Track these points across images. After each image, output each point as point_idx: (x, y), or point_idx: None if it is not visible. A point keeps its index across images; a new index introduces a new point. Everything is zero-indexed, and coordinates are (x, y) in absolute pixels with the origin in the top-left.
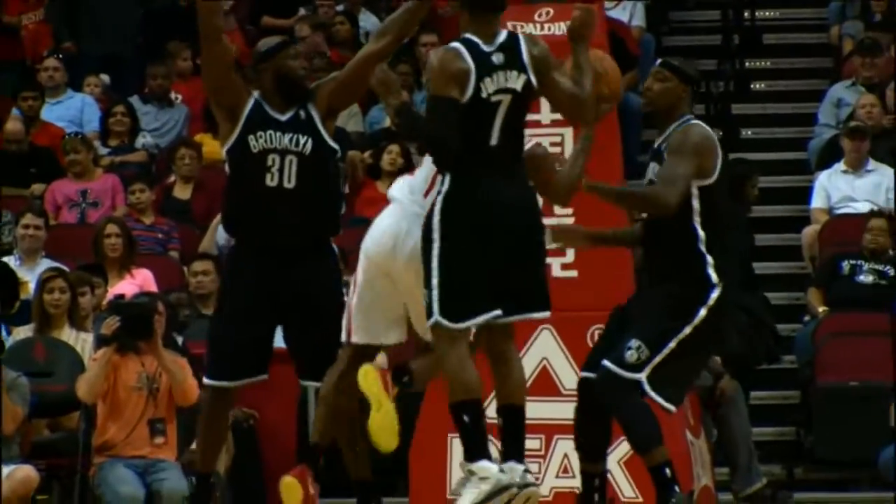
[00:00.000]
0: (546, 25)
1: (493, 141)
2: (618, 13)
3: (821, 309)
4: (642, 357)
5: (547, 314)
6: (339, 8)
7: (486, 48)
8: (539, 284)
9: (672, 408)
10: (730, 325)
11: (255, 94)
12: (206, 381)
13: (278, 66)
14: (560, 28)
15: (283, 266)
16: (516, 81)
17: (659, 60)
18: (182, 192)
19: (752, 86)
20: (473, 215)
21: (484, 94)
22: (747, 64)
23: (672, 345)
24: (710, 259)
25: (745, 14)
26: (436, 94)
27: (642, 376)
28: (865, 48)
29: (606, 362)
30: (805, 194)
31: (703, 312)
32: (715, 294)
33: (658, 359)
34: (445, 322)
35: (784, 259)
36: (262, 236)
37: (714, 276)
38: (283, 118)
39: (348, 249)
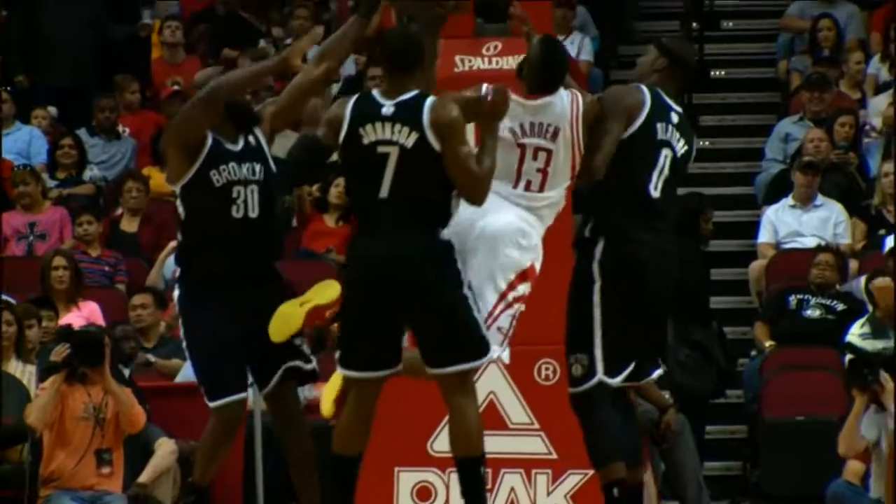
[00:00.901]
0: (494, 59)
1: (383, 194)
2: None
3: (767, 343)
4: (584, 363)
5: (469, 365)
6: (288, 41)
7: (380, 100)
8: (446, 338)
9: (617, 379)
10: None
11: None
12: (212, 404)
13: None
14: (508, 62)
15: (250, 294)
16: (406, 137)
17: None
18: (129, 225)
19: (700, 120)
20: (357, 266)
21: (365, 142)
22: (695, 98)
23: (598, 332)
24: (591, 214)
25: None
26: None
27: (599, 377)
28: (813, 83)
29: (569, 389)
30: (752, 229)
31: (597, 289)
32: (598, 251)
33: (598, 353)
34: (338, 367)
35: (731, 294)
36: (229, 268)
37: (587, 234)
38: (237, 148)
39: (296, 283)
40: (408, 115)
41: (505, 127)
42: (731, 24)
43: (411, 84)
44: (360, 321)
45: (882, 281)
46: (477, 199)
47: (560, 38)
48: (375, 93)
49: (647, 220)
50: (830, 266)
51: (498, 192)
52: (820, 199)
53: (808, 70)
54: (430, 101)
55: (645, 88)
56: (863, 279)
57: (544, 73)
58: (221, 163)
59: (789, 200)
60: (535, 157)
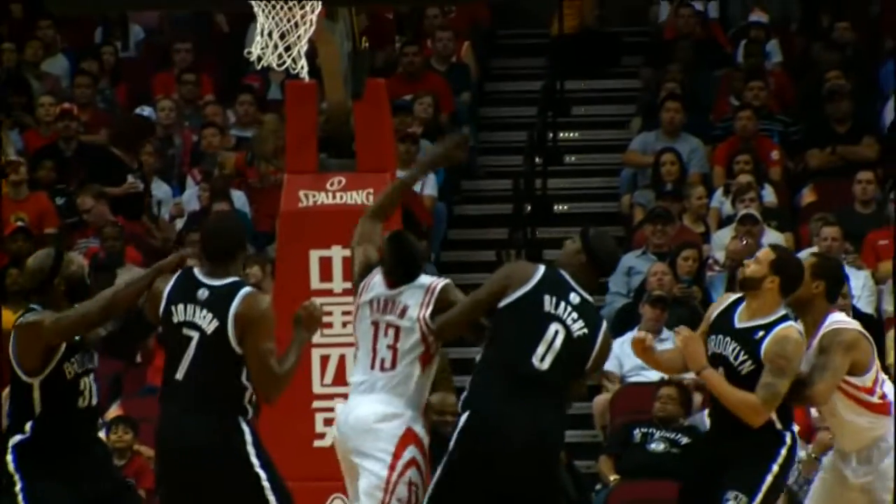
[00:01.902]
0: (338, 194)
1: (179, 375)
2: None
3: (612, 477)
4: None
5: None
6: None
7: (202, 279)
8: None
9: None
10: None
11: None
12: None
13: (68, 276)
14: (352, 197)
15: (86, 467)
16: (208, 324)
17: None
18: None
19: (544, 255)
20: (156, 448)
21: (174, 321)
22: (539, 233)
23: (429, 491)
24: (471, 382)
25: (537, 183)
26: None
27: None
28: (656, 216)
29: None
30: None
31: (448, 454)
32: (463, 418)
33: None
34: None
35: (577, 427)
36: (72, 451)
37: (462, 399)
38: (77, 338)
39: (140, 419)
40: (217, 302)
41: (364, 301)
42: (573, 158)
43: (230, 269)
44: (164, 495)
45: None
46: (270, 396)
47: (402, 172)
48: (198, 272)
49: (524, 391)
50: (674, 400)
51: (360, 379)
52: (665, 332)
53: (652, 204)
54: (243, 292)
55: (542, 266)
56: (707, 412)
57: (400, 270)
58: (72, 353)
59: (634, 334)
60: (385, 334)
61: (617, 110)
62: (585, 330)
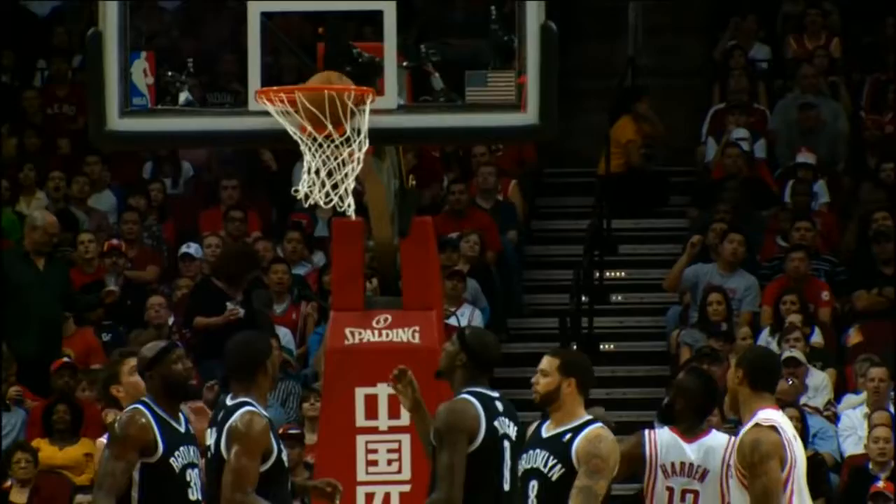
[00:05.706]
0: (384, 332)
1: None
2: (455, 321)
3: None
4: None
5: None
6: None
7: (225, 400)
8: None
9: None
10: None
11: (146, 406)
12: None
13: (165, 372)
14: (398, 334)
15: None
16: (214, 442)
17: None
18: (18, 497)
19: (590, 393)
20: None
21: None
22: None
23: None
24: None
25: (583, 322)
26: None
27: None
28: (703, 356)
29: None
30: None
31: None
32: None
33: None
34: None
35: None
36: None
37: None
38: (182, 428)
39: None
40: (222, 420)
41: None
42: (620, 297)
43: (250, 386)
44: None
45: None
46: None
47: (451, 309)
48: (227, 397)
49: None
50: None
51: None
52: None
53: (699, 343)
54: (242, 409)
55: (472, 399)
56: None
57: None
58: (179, 445)
59: None
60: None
61: (664, 249)
62: (517, 427)
